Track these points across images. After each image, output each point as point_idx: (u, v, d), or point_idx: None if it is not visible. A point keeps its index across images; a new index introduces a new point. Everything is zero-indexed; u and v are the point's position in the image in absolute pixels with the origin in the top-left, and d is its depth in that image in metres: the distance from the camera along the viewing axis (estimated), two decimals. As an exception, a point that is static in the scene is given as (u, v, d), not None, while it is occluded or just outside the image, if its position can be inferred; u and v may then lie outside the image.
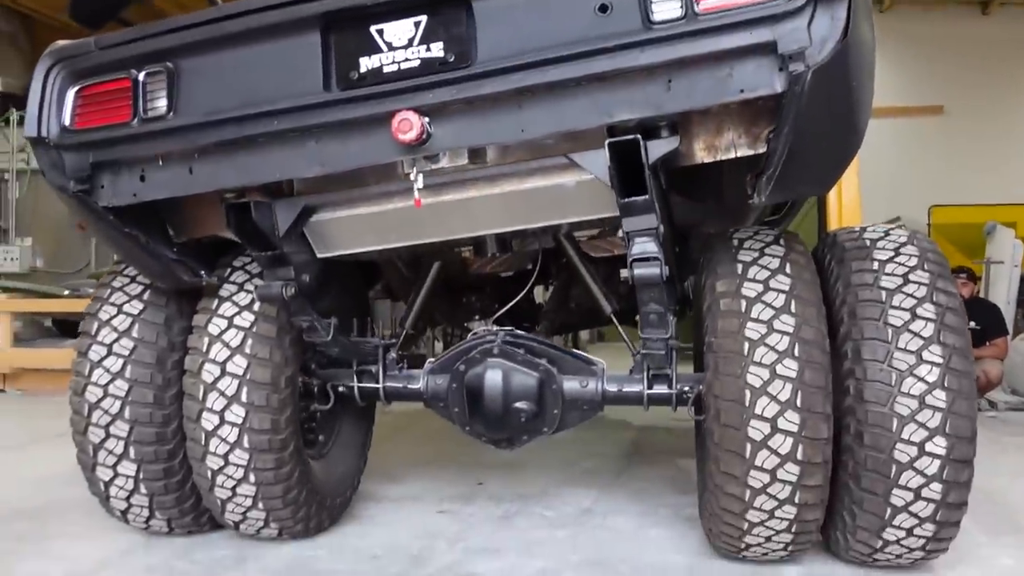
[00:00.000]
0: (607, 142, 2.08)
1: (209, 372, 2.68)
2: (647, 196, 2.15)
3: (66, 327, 8.38)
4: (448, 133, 2.11)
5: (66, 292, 7.95)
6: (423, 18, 2.07)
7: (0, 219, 9.88)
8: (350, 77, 2.13)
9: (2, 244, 9.62)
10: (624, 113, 2.01)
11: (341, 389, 3.09)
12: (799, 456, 2.33)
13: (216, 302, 2.76)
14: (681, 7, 1.91)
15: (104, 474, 2.82)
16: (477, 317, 4.21)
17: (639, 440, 5.10)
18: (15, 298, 7.94)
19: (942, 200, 12.73)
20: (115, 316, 2.80)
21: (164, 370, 2.77)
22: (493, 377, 2.79)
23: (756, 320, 2.38)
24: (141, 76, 2.29)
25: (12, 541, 3.03)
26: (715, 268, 2.54)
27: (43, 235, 9.68)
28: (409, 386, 3.02)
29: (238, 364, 2.68)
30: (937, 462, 2.30)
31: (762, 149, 2.15)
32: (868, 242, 2.60)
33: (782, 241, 2.57)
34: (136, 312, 2.80)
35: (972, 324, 4.84)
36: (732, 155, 2.21)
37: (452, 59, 2.05)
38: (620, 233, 2.32)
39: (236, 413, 2.66)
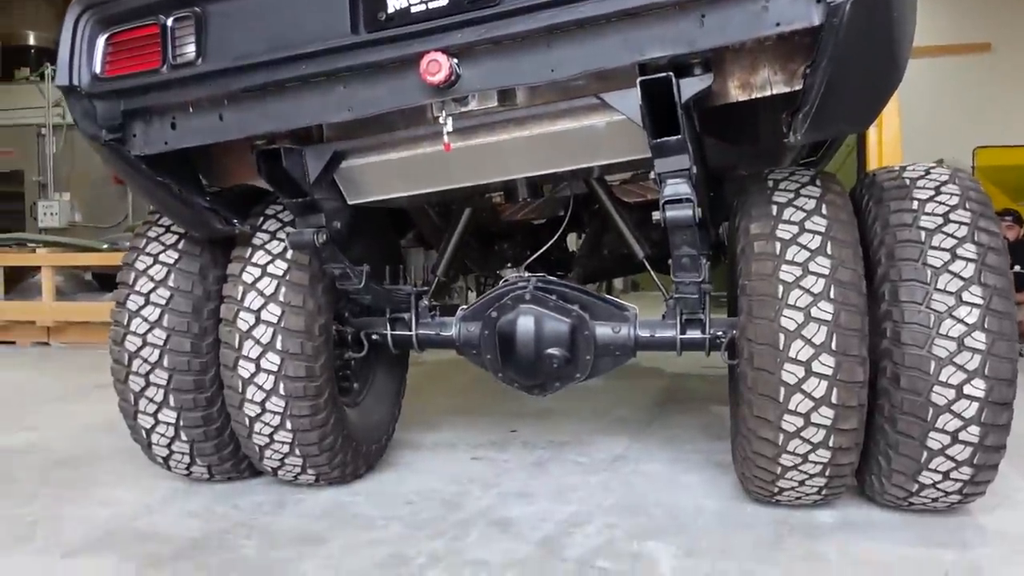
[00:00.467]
0: (639, 81, 2.02)
1: (244, 320, 2.70)
2: (680, 136, 2.10)
3: (105, 281, 8.52)
4: (477, 74, 2.08)
5: (105, 246, 8.07)
6: None
7: (39, 174, 10.04)
8: (378, 18, 2.10)
9: (42, 199, 9.78)
10: (656, 50, 1.95)
11: (375, 337, 3.10)
12: (834, 399, 2.30)
13: (249, 250, 2.77)
14: None
15: (145, 422, 2.87)
16: (509, 265, 4.21)
17: (671, 388, 5.11)
18: (56, 252, 8.07)
19: (987, 141, 12.34)
20: (152, 266, 2.83)
21: (200, 319, 2.80)
22: (525, 323, 2.78)
23: (791, 262, 2.34)
24: (169, 22, 2.28)
25: (58, 487, 3.11)
26: (749, 210, 2.49)
27: (80, 190, 9.84)
28: (442, 333, 3.02)
29: (272, 312, 2.70)
30: (975, 404, 2.27)
31: (799, 86, 2.08)
32: (907, 181, 2.53)
33: (818, 182, 2.52)
34: (172, 261, 2.82)
35: (1016, 268, 4.75)
36: (768, 93, 2.15)
37: None
38: (652, 176, 2.28)
39: (271, 361, 2.69)
